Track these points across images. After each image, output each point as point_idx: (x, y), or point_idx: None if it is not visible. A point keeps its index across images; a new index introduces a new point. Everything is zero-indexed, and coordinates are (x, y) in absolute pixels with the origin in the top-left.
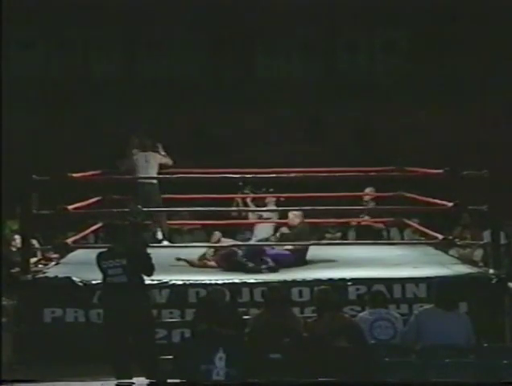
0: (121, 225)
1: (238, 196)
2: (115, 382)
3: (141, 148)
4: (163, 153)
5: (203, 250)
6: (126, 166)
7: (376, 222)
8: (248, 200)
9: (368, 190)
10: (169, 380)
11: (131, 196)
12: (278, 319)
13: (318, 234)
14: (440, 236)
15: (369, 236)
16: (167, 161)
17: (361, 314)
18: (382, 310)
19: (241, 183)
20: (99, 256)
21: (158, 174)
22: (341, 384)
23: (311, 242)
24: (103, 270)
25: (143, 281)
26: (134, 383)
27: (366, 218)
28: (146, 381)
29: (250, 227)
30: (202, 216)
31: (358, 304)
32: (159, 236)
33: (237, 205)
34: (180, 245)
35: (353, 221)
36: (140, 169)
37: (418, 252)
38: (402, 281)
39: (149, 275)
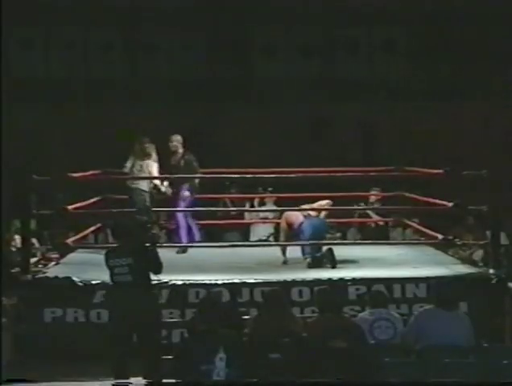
0: (129, 223)
1: (240, 196)
2: (113, 382)
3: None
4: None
5: None
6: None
7: (376, 222)
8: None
9: (373, 191)
10: (169, 380)
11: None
12: (278, 319)
13: None
14: (440, 236)
15: (369, 236)
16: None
17: (361, 314)
18: (382, 310)
19: (227, 183)
20: (107, 254)
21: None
22: (341, 384)
23: (311, 242)
24: (110, 268)
25: (150, 280)
26: (131, 383)
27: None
28: (144, 381)
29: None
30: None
31: (358, 304)
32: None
33: (225, 205)
34: (185, 245)
35: (353, 221)
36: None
37: (418, 252)
38: (402, 281)
39: (156, 273)
